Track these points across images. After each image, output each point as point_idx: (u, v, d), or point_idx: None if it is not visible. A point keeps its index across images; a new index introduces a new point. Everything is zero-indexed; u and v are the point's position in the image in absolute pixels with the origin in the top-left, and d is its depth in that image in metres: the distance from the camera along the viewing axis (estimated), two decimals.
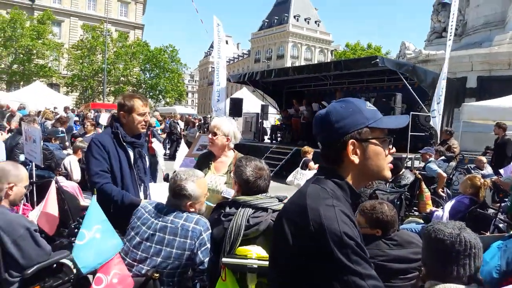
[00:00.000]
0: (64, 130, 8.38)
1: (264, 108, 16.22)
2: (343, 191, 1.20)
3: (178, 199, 2.27)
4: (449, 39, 10.63)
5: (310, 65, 14.15)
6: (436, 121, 10.46)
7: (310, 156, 7.39)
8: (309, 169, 6.87)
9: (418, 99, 10.89)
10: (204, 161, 3.14)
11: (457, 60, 13.86)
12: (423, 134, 11.28)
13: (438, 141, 9.96)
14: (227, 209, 2.12)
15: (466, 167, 7.38)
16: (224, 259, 1.91)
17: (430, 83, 11.04)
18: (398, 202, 4.60)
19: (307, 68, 13.07)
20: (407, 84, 10.71)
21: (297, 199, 1.21)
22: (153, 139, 9.28)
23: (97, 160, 2.69)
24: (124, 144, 2.81)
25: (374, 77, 13.10)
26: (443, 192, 6.68)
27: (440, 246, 1.51)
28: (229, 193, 2.71)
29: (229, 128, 3.07)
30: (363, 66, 11.30)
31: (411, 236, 2.43)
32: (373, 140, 1.22)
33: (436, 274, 1.52)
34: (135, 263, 2.18)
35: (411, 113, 10.77)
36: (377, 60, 9.94)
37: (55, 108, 17.94)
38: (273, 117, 19.75)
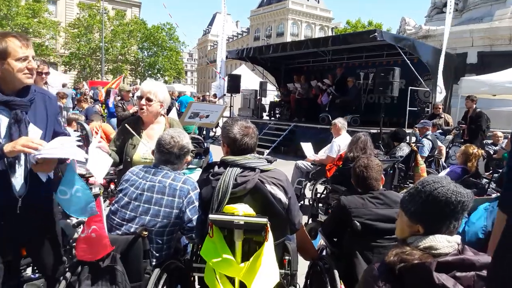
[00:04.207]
0: (61, 105, 8.33)
1: (262, 85, 16.12)
2: None
3: (180, 158, 2.31)
4: (449, 13, 10.47)
5: (308, 40, 13.92)
6: (440, 97, 10.44)
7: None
8: None
9: (417, 75, 10.83)
10: (133, 129, 2.91)
11: (457, 35, 13.71)
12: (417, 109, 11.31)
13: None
14: (216, 169, 2.13)
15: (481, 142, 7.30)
16: (211, 216, 1.93)
17: (430, 58, 10.95)
18: (392, 171, 4.63)
19: (306, 43, 12.90)
20: (406, 59, 10.62)
21: None
22: None
23: None
24: None
25: (373, 52, 12.98)
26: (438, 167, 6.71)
27: (438, 202, 1.46)
28: None
29: (164, 94, 2.93)
30: (361, 40, 11.17)
31: (398, 196, 2.45)
32: None
33: (430, 231, 1.50)
34: (124, 222, 2.21)
35: (410, 88, 10.76)
36: (376, 33, 9.82)
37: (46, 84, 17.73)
38: (272, 94, 19.64)
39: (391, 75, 9.16)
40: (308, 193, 5.80)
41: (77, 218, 2.78)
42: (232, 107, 15.34)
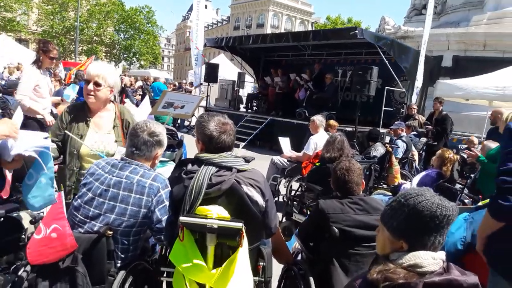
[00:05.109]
0: None
1: (240, 76, 15.92)
2: None
3: (148, 145, 2.12)
4: (429, 14, 10.60)
5: (289, 33, 13.84)
6: (416, 98, 10.59)
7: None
8: None
9: (394, 75, 10.92)
10: (77, 117, 2.60)
11: (434, 38, 13.90)
12: (393, 109, 11.43)
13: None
14: (189, 167, 1.98)
15: (456, 147, 7.39)
16: (181, 218, 1.78)
17: (406, 59, 11.07)
18: (368, 173, 4.60)
19: (286, 36, 12.78)
20: (384, 59, 10.69)
21: None
22: (126, 99, 8.99)
23: None
24: None
25: (352, 49, 13.01)
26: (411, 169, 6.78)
27: (422, 217, 1.37)
28: (122, 151, 2.40)
29: (115, 78, 2.62)
30: (342, 37, 11.17)
31: (378, 203, 2.38)
32: None
33: (415, 246, 1.42)
34: (87, 220, 2.03)
35: (386, 88, 10.84)
36: (356, 31, 9.82)
37: (17, 64, 16.93)
38: (250, 86, 19.46)
39: (369, 74, 9.17)
40: (282, 190, 5.73)
41: (36, 213, 2.55)
42: (208, 97, 15.09)
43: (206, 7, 77.47)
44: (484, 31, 13.59)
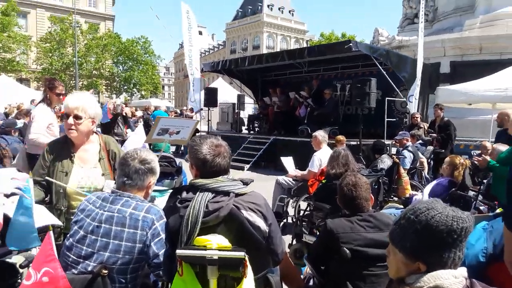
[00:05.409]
0: (26, 122, 7.88)
1: (240, 98, 15.92)
2: None
3: (140, 174, 1.99)
4: (421, 22, 10.64)
5: (284, 52, 13.89)
6: (413, 106, 10.49)
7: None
8: None
9: (393, 85, 10.85)
10: (60, 153, 2.47)
11: (429, 45, 13.91)
12: (396, 119, 11.32)
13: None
14: (184, 194, 1.86)
15: (468, 153, 7.20)
16: (178, 251, 1.65)
17: (403, 68, 11.03)
18: (376, 186, 4.45)
19: (281, 55, 12.81)
20: (382, 70, 10.65)
21: None
22: (128, 130, 8.96)
23: None
24: None
25: (348, 63, 13.01)
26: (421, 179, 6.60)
27: (437, 233, 1.22)
28: (111, 185, 2.29)
29: (95, 109, 2.48)
30: (337, 51, 11.17)
31: (390, 218, 2.23)
32: None
33: (434, 266, 1.27)
34: (81, 260, 1.90)
35: (387, 99, 10.76)
36: (351, 44, 9.82)
37: (17, 103, 17.04)
38: (250, 107, 19.46)
39: (367, 86, 9.12)
40: (291, 210, 5.56)
41: (26, 259, 2.40)
42: (210, 121, 15.05)
43: (201, 33, 78.77)
44: (478, 35, 13.59)
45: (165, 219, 1.91)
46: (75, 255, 1.91)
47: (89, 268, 1.87)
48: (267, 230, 1.88)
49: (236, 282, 1.72)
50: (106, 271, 1.84)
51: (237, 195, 1.84)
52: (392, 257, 1.36)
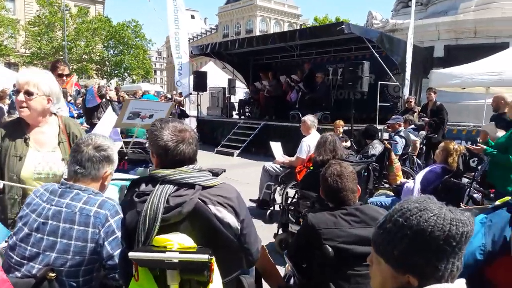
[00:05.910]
0: (2, 105, 7.55)
1: (231, 82, 15.58)
2: None
3: (94, 162, 1.74)
4: (413, 4, 10.38)
5: (275, 34, 13.55)
6: (406, 91, 10.30)
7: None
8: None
9: (386, 69, 10.61)
10: (13, 135, 2.19)
11: (423, 28, 13.65)
12: (389, 104, 11.11)
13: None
14: (142, 187, 1.61)
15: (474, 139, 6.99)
16: (131, 253, 1.42)
17: (397, 51, 10.77)
18: (366, 174, 4.24)
19: (272, 37, 12.50)
20: (375, 53, 10.39)
21: None
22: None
23: None
24: None
25: (341, 46, 12.72)
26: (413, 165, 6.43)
27: (433, 240, 0.98)
28: None
29: (50, 85, 2.20)
30: (329, 34, 10.87)
31: (378, 212, 2.00)
32: None
33: (428, 280, 1.04)
34: (25, 261, 1.65)
35: (379, 83, 10.52)
36: (343, 26, 9.52)
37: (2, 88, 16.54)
38: (242, 92, 19.13)
39: (360, 70, 8.89)
40: (278, 198, 5.35)
41: None
42: (199, 106, 14.74)
43: (193, 17, 77.44)
44: (473, 18, 13.35)
45: (121, 215, 1.67)
46: (18, 256, 1.66)
47: (34, 271, 1.62)
48: (239, 227, 1.65)
49: (203, 286, 1.50)
50: (53, 274, 1.60)
51: (204, 187, 1.60)
52: (375, 267, 1.11)
